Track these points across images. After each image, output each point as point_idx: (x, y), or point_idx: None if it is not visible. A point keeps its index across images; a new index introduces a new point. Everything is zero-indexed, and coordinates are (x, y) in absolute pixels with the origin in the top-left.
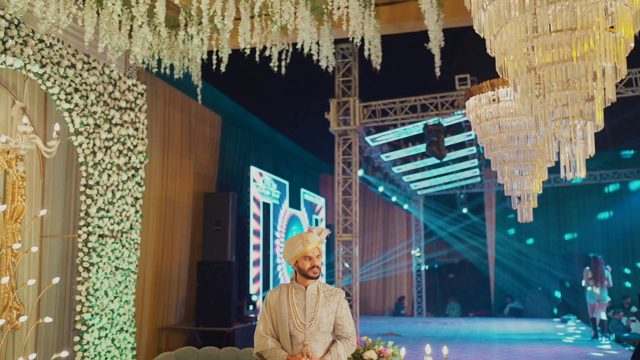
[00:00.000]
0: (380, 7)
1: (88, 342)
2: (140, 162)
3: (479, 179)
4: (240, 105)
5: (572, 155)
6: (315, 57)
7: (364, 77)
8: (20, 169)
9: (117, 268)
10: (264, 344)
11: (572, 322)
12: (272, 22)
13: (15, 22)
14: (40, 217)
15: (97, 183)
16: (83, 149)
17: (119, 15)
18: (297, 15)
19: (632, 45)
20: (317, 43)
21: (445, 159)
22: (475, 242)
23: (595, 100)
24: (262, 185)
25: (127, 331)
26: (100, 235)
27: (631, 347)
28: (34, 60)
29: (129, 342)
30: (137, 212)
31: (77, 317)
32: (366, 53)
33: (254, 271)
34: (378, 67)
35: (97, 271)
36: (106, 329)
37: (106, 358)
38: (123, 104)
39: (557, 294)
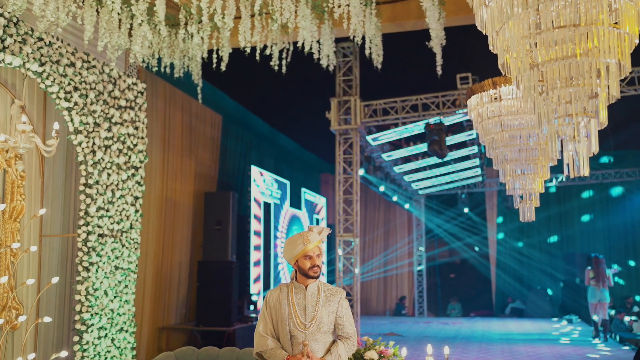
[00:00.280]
0: (382, 6)
1: (87, 342)
2: (140, 161)
3: (480, 179)
4: (241, 105)
5: (575, 154)
6: (316, 56)
7: (365, 76)
8: (19, 168)
9: (117, 267)
10: (264, 343)
11: (574, 322)
12: (272, 21)
13: (14, 20)
14: (39, 217)
15: (97, 182)
16: (82, 148)
17: (118, 14)
18: (297, 13)
19: (637, 41)
20: (318, 42)
21: (446, 159)
22: (477, 242)
23: (599, 97)
24: (263, 184)
25: (127, 331)
26: (100, 235)
27: (633, 347)
28: (33, 58)
29: (128, 342)
30: (137, 211)
31: (77, 317)
32: (367, 52)
33: (255, 271)
34: (379, 66)
35: (96, 271)
36: (106, 329)
37: (106, 358)
38: (123, 102)
39: (559, 294)
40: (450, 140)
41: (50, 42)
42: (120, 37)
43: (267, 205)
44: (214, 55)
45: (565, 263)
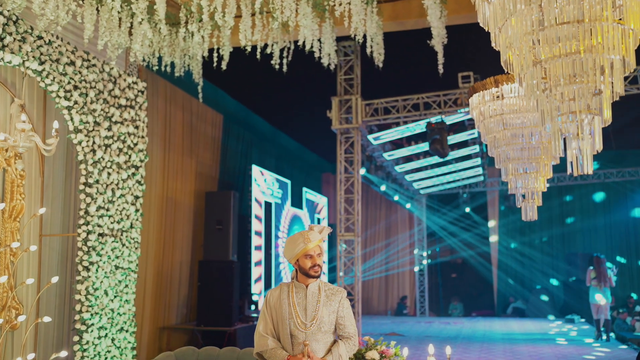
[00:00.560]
0: (383, 4)
1: (88, 342)
2: (141, 161)
3: (481, 178)
4: (242, 104)
5: (578, 152)
6: (316, 55)
7: (366, 75)
8: (19, 167)
9: (117, 267)
10: (264, 343)
11: (576, 322)
12: (273, 19)
13: (14, 18)
14: (39, 216)
15: (97, 181)
16: (82, 147)
17: (118, 12)
18: (298, 12)
19: None
20: (319, 40)
21: (447, 158)
22: (478, 242)
23: (603, 94)
24: (264, 184)
25: (127, 331)
26: (100, 234)
27: (635, 347)
28: (33, 57)
29: (129, 342)
30: (137, 210)
31: (77, 317)
32: (368, 50)
33: (256, 272)
34: (380, 65)
35: (96, 270)
36: (106, 329)
37: (106, 358)
38: (123, 101)
39: (561, 294)
40: (452, 139)
41: (50, 40)
42: (120, 36)
43: (268, 205)
44: (215, 54)
45: (566, 263)
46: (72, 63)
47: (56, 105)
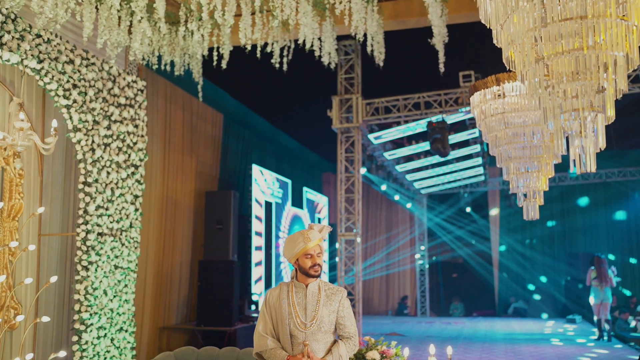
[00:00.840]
0: (383, 3)
1: (87, 342)
2: (140, 160)
3: (482, 178)
4: (242, 103)
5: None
6: (317, 54)
7: (366, 74)
8: (17, 166)
9: (116, 267)
10: (263, 343)
11: (577, 322)
12: (273, 17)
13: (12, 16)
14: (38, 215)
15: (96, 181)
16: (82, 146)
17: (118, 11)
18: (298, 10)
19: None
20: (319, 39)
21: (448, 157)
22: (479, 241)
23: (606, 91)
24: (264, 184)
25: (126, 331)
26: (99, 234)
27: (637, 347)
28: (31, 55)
29: (128, 342)
30: (136, 210)
31: (76, 317)
32: (369, 49)
33: (257, 272)
34: (381, 64)
35: (96, 270)
36: (105, 329)
37: (105, 358)
38: (122, 100)
39: (562, 294)
40: (452, 138)
41: (48, 39)
42: (119, 34)
43: (268, 205)
44: (215, 53)
45: (568, 263)
46: (71, 61)
47: (55, 103)
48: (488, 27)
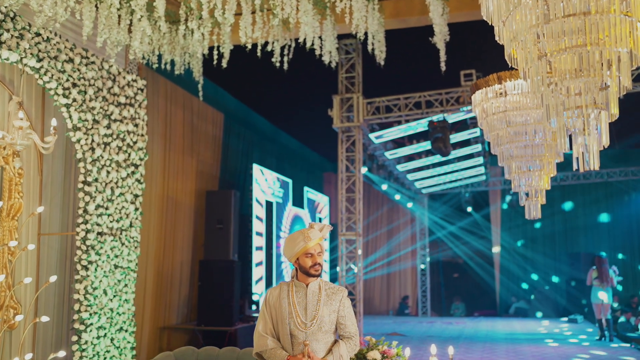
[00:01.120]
0: (384, 1)
1: (86, 342)
2: (140, 159)
3: (484, 177)
4: (243, 103)
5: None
6: (317, 52)
7: (367, 73)
8: (16, 165)
9: (116, 266)
10: (263, 343)
11: (579, 322)
12: (273, 16)
13: (11, 15)
14: (37, 214)
15: (96, 180)
16: (81, 145)
17: (117, 9)
18: (299, 8)
19: None
20: (320, 38)
21: (449, 157)
22: (480, 241)
23: (609, 88)
24: (265, 183)
25: (126, 330)
26: (99, 233)
27: (639, 347)
28: (31, 54)
29: (128, 342)
30: (137, 209)
31: (75, 316)
32: (370, 48)
33: (258, 272)
34: (382, 63)
35: (95, 269)
36: (105, 329)
37: (105, 358)
38: (122, 99)
39: (564, 294)
40: (453, 138)
41: (48, 37)
42: (119, 33)
43: (269, 204)
44: (215, 52)
45: (569, 262)
46: (71, 60)
47: (55, 102)
48: (490, 24)
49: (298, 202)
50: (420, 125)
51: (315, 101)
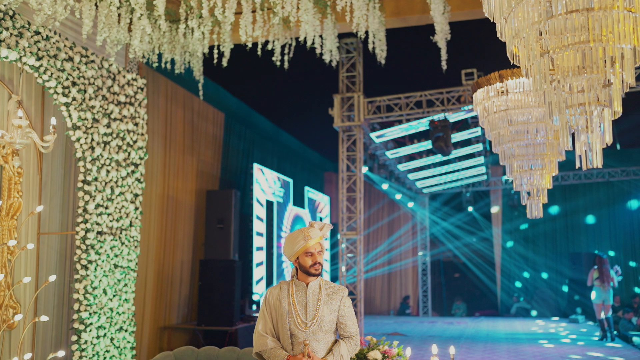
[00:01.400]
0: (385, 0)
1: (86, 342)
2: (140, 158)
3: (485, 177)
4: (244, 102)
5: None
6: (318, 51)
7: (368, 72)
8: (16, 164)
9: (116, 266)
10: (263, 343)
11: (580, 322)
12: (274, 15)
13: (10, 13)
14: (37, 214)
15: (96, 179)
16: (81, 144)
17: (117, 8)
18: (299, 7)
19: None
20: (321, 37)
21: (450, 156)
22: (481, 241)
23: (613, 85)
24: (265, 183)
25: (126, 330)
26: (98, 233)
27: None
28: (30, 52)
29: (128, 342)
30: (136, 209)
31: (75, 316)
32: (370, 46)
33: (258, 272)
34: (383, 61)
35: (95, 269)
36: (105, 328)
37: (105, 358)
38: (122, 98)
39: (565, 294)
40: (454, 137)
41: (47, 36)
42: (119, 32)
43: (269, 204)
44: (215, 51)
45: (570, 262)
46: (71, 59)
47: (54, 101)
48: (491, 22)
49: (299, 201)
50: (421, 125)
51: (316, 100)
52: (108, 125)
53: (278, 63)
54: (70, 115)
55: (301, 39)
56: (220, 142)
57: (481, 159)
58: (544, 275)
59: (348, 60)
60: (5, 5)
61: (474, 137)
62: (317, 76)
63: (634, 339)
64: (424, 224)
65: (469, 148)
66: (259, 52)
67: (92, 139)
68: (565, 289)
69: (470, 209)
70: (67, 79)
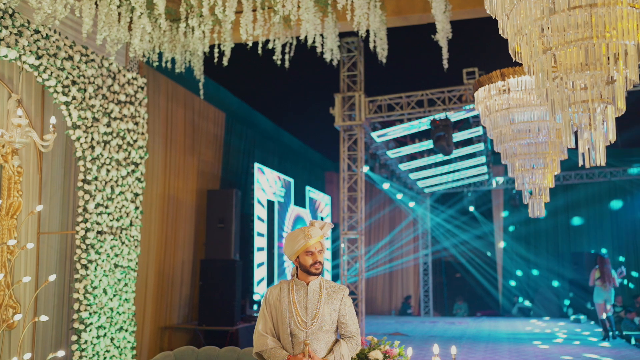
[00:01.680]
0: None
1: (86, 342)
2: (141, 158)
3: (486, 177)
4: (245, 102)
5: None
6: (319, 50)
7: (369, 72)
8: (15, 163)
9: (116, 265)
10: (263, 343)
11: (582, 321)
12: (274, 13)
13: (10, 11)
14: (37, 213)
15: (96, 178)
16: (81, 143)
17: (117, 7)
18: (300, 6)
19: None
20: (322, 36)
21: (452, 156)
22: (482, 241)
23: (616, 83)
24: (266, 182)
25: (126, 330)
26: (98, 232)
27: None
28: (30, 51)
29: (128, 342)
30: (137, 208)
31: (75, 316)
32: (371, 45)
33: (260, 272)
34: (384, 60)
35: (95, 268)
36: (105, 328)
37: (105, 358)
38: (122, 97)
39: (566, 293)
40: (456, 137)
41: (47, 34)
42: (119, 31)
43: (270, 204)
44: (216, 50)
45: (572, 262)
46: (70, 58)
47: (54, 100)
48: (493, 18)
49: (300, 201)
50: (423, 124)
51: (316, 100)
52: (108, 125)
53: (279, 62)
54: (70, 114)
55: (302, 37)
56: (221, 141)
57: (483, 159)
58: (546, 275)
59: (349, 59)
60: (4, 3)
61: (475, 136)
62: (318, 75)
63: (633, 339)
64: (424, 223)
65: (470, 147)
66: (260, 51)
67: (92, 138)
68: (566, 288)
69: (471, 208)
70: (67, 77)
